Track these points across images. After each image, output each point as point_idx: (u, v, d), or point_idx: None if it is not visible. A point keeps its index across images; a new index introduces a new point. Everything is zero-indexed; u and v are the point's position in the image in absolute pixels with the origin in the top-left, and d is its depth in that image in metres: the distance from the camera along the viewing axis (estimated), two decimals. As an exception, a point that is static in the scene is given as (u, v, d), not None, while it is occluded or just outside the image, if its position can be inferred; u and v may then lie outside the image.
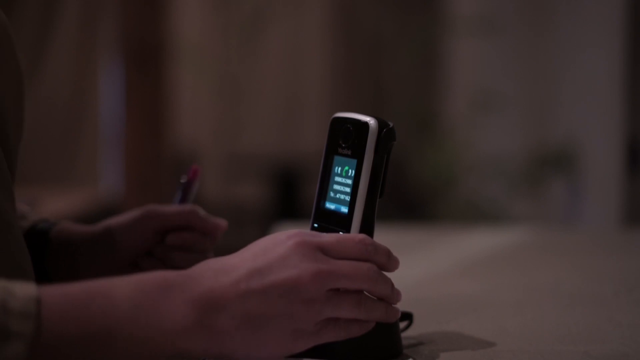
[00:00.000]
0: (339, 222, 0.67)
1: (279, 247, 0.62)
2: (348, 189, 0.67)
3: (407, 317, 0.74)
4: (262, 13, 4.73)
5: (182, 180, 0.88)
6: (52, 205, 2.50)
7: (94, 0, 3.21)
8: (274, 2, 4.81)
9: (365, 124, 0.67)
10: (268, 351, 0.61)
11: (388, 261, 0.66)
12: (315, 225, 0.69)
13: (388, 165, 0.68)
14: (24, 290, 0.56)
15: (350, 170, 0.67)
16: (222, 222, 0.86)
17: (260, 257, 0.61)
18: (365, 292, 0.64)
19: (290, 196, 4.95)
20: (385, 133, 0.67)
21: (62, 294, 0.58)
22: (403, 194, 5.56)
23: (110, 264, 0.83)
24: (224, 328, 0.59)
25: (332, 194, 0.69)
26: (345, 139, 0.68)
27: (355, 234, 0.65)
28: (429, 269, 1.06)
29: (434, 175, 2.72)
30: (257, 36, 4.72)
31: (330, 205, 0.68)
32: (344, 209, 0.67)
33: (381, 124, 0.67)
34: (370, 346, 0.65)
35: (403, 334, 0.71)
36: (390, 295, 0.65)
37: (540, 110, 2.87)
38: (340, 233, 0.65)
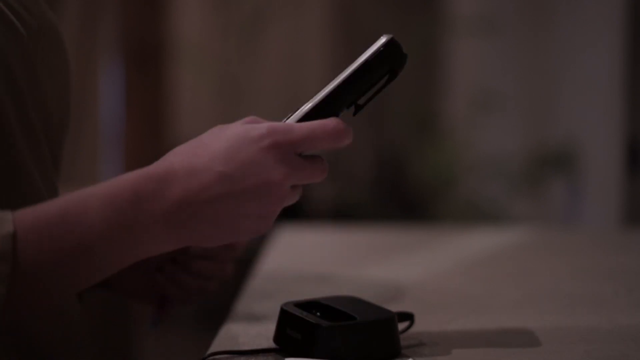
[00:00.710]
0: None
1: (251, 147, 0.62)
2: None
3: (408, 317, 0.74)
4: (262, 13, 4.74)
5: None
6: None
7: (94, 0, 3.21)
8: (274, 2, 4.81)
9: (380, 37, 0.66)
10: (240, 236, 0.63)
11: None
12: None
13: (377, 91, 0.66)
14: None
15: None
16: None
17: (231, 158, 0.62)
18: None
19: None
20: (386, 46, 0.65)
21: (37, 219, 0.59)
22: (403, 194, 5.56)
23: (136, 268, 0.84)
24: (194, 229, 0.61)
25: None
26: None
27: (326, 120, 0.64)
28: (429, 269, 1.06)
29: (434, 175, 2.72)
30: (257, 36, 4.73)
31: None
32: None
33: (389, 41, 0.65)
34: (369, 346, 0.65)
35: (403, 334, 0.71)
36: None
37: (540, 110, 2.88)
38: (312, 122, 0.64)
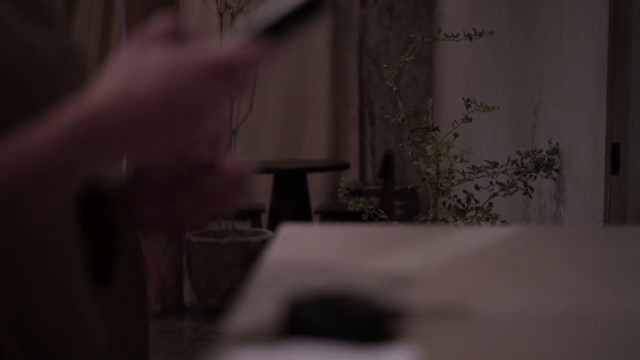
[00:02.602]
0: None
1: (190, 84, 0.64)
2: None
3: (398, 313, 0.71)
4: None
5: None
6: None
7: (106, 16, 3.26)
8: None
9: None
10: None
11: None
12: None
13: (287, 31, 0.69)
14: None
15: None
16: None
17: (174, 100, 0.64)
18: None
19: (292, 198, 4.99)
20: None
21: None
22: (400, 197, 5.63)
23: (145, 196, 0.84)
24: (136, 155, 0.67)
25: None
26: None
27: (238, 50, 0.67)
28: (421, 266, 1.05)
29: (430, 179, 2.76)
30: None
31: None
32: None
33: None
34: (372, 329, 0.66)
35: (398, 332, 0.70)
36: None
37: (528, 116, 2.95)
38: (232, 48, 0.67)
